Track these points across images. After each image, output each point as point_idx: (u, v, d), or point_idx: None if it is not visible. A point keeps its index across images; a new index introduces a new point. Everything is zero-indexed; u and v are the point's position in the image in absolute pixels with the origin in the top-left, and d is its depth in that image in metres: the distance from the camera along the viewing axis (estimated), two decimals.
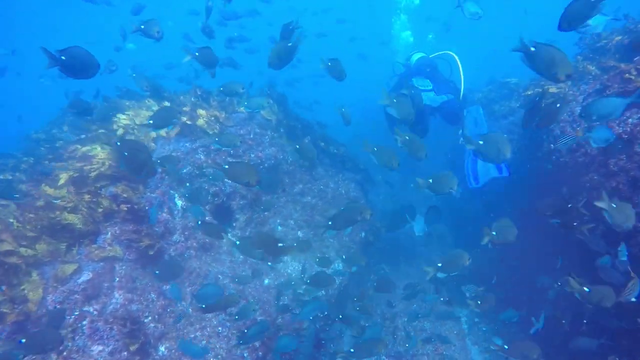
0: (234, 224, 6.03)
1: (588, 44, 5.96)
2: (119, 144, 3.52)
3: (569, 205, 3.69)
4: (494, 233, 3.52)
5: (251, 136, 6.35)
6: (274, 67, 3.67)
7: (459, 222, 8.41)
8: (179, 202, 5.53)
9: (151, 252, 4.72)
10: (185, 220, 5.38)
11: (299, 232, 6.43)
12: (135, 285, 4.35)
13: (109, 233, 4.51)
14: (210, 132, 6.08)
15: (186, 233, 5.25)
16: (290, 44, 3.67)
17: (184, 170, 5.75)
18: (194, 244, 5.24)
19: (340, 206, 3.73)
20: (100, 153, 5.16)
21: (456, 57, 6.65)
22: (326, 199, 6.70)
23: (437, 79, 6.28)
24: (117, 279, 4.27)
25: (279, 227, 6.33)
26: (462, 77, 6.40)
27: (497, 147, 3.29)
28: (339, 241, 6.62)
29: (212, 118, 6.17)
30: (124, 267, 4.40)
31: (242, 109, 6.87)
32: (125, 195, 4.80)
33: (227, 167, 3.65)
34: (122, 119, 6.15)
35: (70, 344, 3.67)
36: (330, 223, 3.47)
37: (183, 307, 4.66)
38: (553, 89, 5.65)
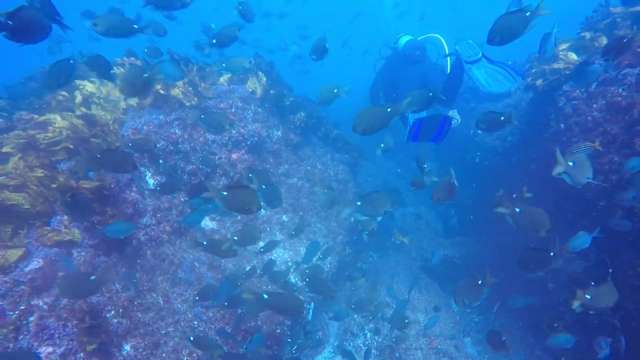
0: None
1: (598, 20, 5.52)
2: (98, 156, 3.13)
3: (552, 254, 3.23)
4: (588, 297, 2.89)
5: (232, 110, 5.68)
6: (126, 96, 3.34)
7: (448, 208, 8.00)
8: (151, 181, 4.84)
9: (121, 236, 4.04)
10: (158, 200, 4.70)
11: (283, 216, 5.84)
12: None
13: (66, 214, 3.81)
14: (187, 104, 5.38)
15: (158, 215, 4.58)
16: (145, 75, 3.20)
17: (157, 146, 5.05)
18: (167, 227, 4.58)
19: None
20: (59, 121, 4.41)
21: (443, 41, 6.25)
22: (313, 181, 6.12)
23: (427, 63, 5.88)
24: (75, 267, 3.60)
25: (262, 211, 5.72)
26: (448, 60, 6.01)
27: (585, 171, 3.07)
28: (327, 226, 6.07)
29: (190, 88, 5.45)
30: (83, 254, 3.71)
31: (223, 80, 6.19)
32: None
33: (225, 193, 2.99)
34: (87, 86, 5.38)
35: (11, 345, 3.01)
36: (359, 203, 3.01)
37: (153, 299, 4.03)
38: (560, 64, 5.19)
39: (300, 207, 5.95)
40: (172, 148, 5.12)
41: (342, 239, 6.15)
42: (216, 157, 5.41)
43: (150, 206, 4.56)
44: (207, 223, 5.22)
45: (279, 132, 6.01)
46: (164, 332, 3.79)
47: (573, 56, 5.20)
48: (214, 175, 5.42)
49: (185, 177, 5.21)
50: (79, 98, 4.85)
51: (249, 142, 5.64)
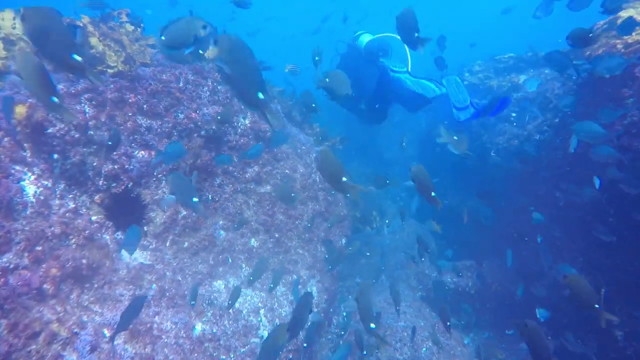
0: (146, 228, 3.33)
1: None
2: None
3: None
4: None
5: (180, 85, 3.66)
6: None
7: (449, 220, 6.36)
8: (31, 189, 2.73)
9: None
10: (41, 221, 2.61)
11: (252, 240, 3.89)
12: None
13: None
14: (113, 64, 3.31)
15: (38, 249, 2.49)
16: None
17: (49, 130, 2.95)
18: (54, 269, 2.49)
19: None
20: None
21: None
22: (294, 190, 4.22)
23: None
24: None
25: (221, 233, 3.73)
26: (409, 60, 5.25)
27: None
28: (311, 253, 4.18)
29: (115, 45, 3.38)
30: None
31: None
32: None
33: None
34: None
35: None
36: None
37: None
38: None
39: (276, 226, 4.02)
40: (76, 136, 3.03)
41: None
42: (153, 153, 3.38)
43: (25, 232, 2.45)
44: (136, 255, 3.16)
45: (247, 121, 4.06)
46: None
47: None
48: (148, 178, 3.38)
49: (100, 181, 3.14)
50: None
51: (203, 133, 3.66)
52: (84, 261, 2.59)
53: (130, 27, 3.74)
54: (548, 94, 5.08)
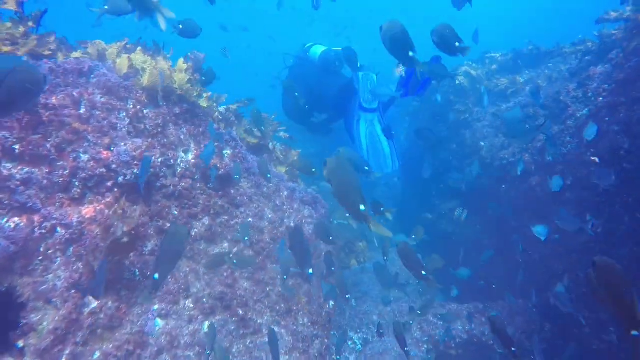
0: (22, 344, 2.02)
1: None
2: None
3: None
4: None
5: (81, 111, 2.39)
6: None
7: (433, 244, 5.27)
8: None
9: None
10: None
11: (205, 325, 2.62)
12: None
13: None
14: None
15: None
16: None
17: None
18: None
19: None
20: None
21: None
22: (263, 244, 3.00)
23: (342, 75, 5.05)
24: None
25: (158, 323, 2.46)
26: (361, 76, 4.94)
27: None
28: (290, 329, 2.95)
29: None
30: None
31: (76, 54, 2.85)
32: None
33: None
34: None
35: None
36: None
37: None
38: None
39: (239, 298, 2.77)
40: None
41: (319, 344, 3.07)
42: (41, 218, 2.09)
43: None
44: None
45: (190, 156, 2.81)
46: None
47: None
48: (30, 262, 2.08)
49: None
50: None
51: (120, 180, 2.38)
52: None
53: (6, 25, 2.43)
54: (562, 97, 4.11)
